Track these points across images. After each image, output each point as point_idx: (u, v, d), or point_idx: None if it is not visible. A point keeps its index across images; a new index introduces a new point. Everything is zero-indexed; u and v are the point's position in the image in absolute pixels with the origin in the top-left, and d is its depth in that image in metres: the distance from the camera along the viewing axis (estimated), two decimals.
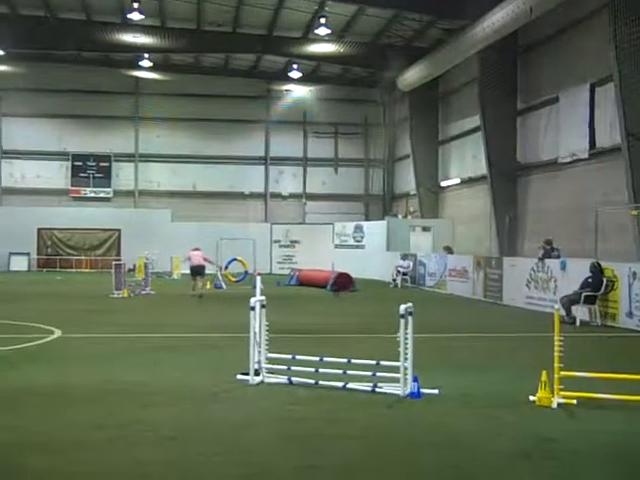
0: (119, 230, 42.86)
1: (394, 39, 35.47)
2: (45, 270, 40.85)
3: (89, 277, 36.05)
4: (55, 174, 45.71)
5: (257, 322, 9.61)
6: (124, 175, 46.13)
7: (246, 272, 29.98)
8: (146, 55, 40.74)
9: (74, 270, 41.29)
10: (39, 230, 42.40)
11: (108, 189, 45.92)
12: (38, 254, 42.43)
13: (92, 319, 17.42)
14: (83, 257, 42.88)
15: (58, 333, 14.37)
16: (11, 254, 40.75)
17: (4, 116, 45.44)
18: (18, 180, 45.65)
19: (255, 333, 9.58)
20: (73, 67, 42.77)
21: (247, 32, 37.05)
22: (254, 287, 10.15)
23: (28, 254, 41.63)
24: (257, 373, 9.59)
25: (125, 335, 14.47)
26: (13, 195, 45.19)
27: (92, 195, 45.71)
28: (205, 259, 25.00)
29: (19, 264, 40.79)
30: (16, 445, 6.75)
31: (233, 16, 35.20)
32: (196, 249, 25.13)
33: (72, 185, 45.68)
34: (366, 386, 9.22)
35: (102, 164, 45.64)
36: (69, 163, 45.71)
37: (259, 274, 11.00)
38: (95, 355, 12.09)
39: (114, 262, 26.47)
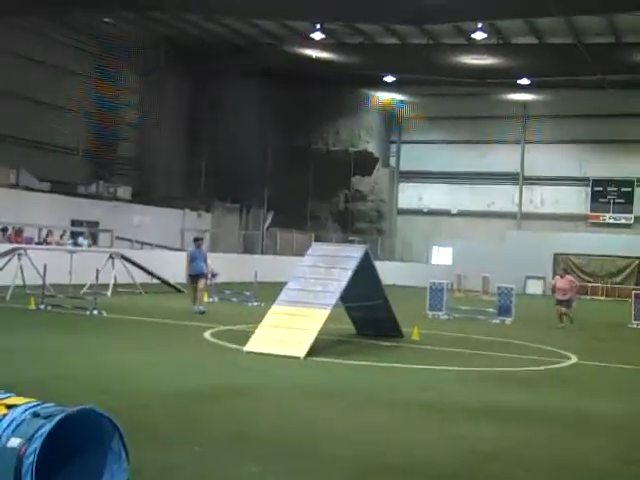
0: (639, 258, 40.99)
1: None
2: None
3: (605, 305, 35.10)
4: (574, 199, 45.73)
5: None
6: None
7: None
8: None
9: (588, 297, 40.60)
10: (555, 255, 42.62)
11: (629, 215, 44.35)
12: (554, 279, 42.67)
13: (609, 348, 16.77)
14: (599, 284, 41.95)
15: (574, 359, 14.06)
16: (527, 277, 41.63)
17: (528, 143, 46.93)
18: (537, 205, 46.69)
19: None
20: (595, 92, 42.30)
21: None
22: None
23: (544, 278, 42.12)
24: None
25: None
26: (531, 220, 46.36)
27: (611, 221, 44.64)
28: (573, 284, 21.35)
29: (534, 288, 41.51)
30: (539, 465, 6.59)
31: None
32: (565, 272, 23.31)
33: (591, 211, 45.21)
34: None
35: (623, 189, 44.33)
36: (589, 188, 45.33)
37: None
38: (613, 384, 11.51)
39: (633, 291, 25.23)
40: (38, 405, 4.59)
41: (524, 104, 46.68)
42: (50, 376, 9.38)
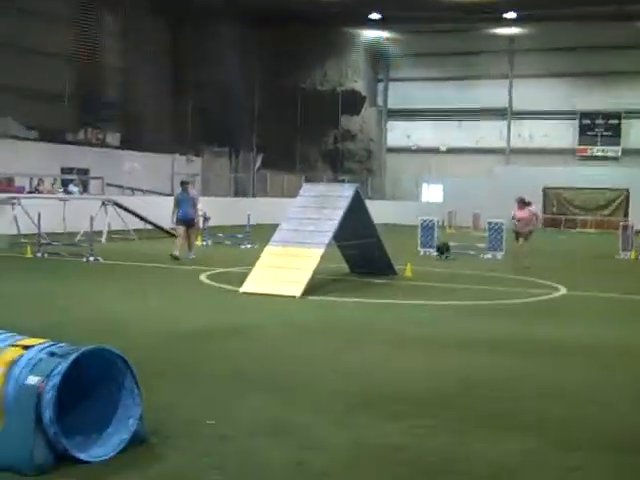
0: (627, 190, 41.31)
1: None
2: (548, 229, 41.23)
3: (593, 237, 35.53)
4: (562, 133, 45.81)
5: None
6: (635, 133, 44.18)
7: None
8: None
9: (578, 230, 41.04)
10: (545, 189, 42.86)
11: (616, 148, 44.51)
12: (543, 213, 42.98)
13: (597, 279, 17.12)
14: (589, 217, 42.37)
15: (563, 291, 14.38)
16: None
17: (515, 77, 46.75)
18: (526, 140, 46.75)
19: None
20: (582, 24, 42.03)
21: None
22: None
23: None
24: None
25: (631, 297, 13.87)
26: (520, 155, 46.47)
27: (599, 154, 44.83)
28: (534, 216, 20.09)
29: None
30: (530, 391, 6.91)
31: None
32: (524, 202, 19.40)
33: (579, 144, 45.35)
34: None
35: (611, 122, 44.42)
36: (577, 122, 45.39)
37: None
38: (601, 314, 11.85)
39: (621, 223, 25.60)
40: (53, 345, 4.83)
41: (511, 38, 46.40)
42: (51, 321, 9.60)
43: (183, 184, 19.52)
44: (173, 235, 25.65)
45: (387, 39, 48.79)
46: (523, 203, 19.27)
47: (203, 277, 14.95)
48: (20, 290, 12.62)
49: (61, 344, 4.88)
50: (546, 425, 5.90)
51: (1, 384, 4.62)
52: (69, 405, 4.77)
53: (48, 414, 4.43)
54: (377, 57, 50.41)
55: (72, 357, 4.57)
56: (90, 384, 4.96)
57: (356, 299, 12.58)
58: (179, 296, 12.70)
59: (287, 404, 6.21)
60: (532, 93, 45.94)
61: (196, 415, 5.75)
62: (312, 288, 12.77)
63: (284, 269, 13.05)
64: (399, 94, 50.00)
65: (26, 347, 4.81)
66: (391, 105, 50.87)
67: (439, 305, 12.31)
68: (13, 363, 4.68)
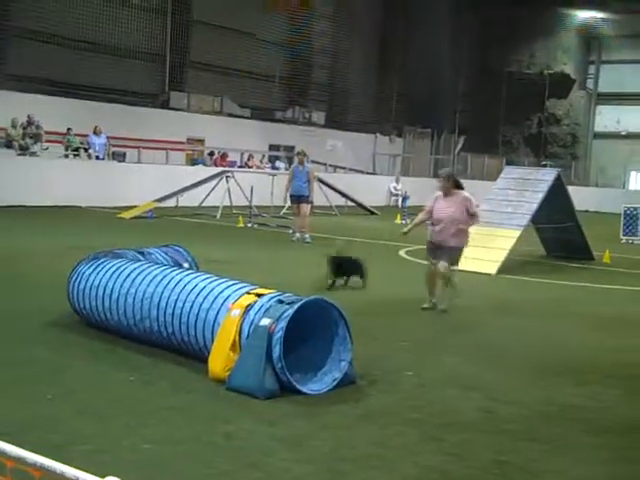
0: None
1: None
2: None
3: None
4: None
5: None
6: None
7: None
8: None
9: None
10: None
11: None
12: None
13: None
14: None
15: None
16: None
17: None
18: None
19: None
20: None
21: None
22: None
23: None
24: None
25: None
26: None
27: None
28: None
29: None
30: None
31: None
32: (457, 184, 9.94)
33: None
34: None
35: None
36: None
37: None
38: None
39: None
40: (281, 294, 5.70)
41: None
42: (264, 281, 10.63)
43: (298, 155, 17.24)
44: (373, 213, 26.73)
45: (601, 19, 46.95)
46: (456, 186, 9.69)
47: (402, 252, 15.65)
48: (238, 256, 13.87)
49: (287, 294, 5.74)
50: None
51: (239, 323, 5.55)
52: (292, 346, 5.62)
53: (277, 351, 5.30)
54: (589, 38, 48.67)
55: (297, 305, 5.41)
56: (310, 329, 5.79)
57: (549, 280, 12.80)
58: (380, 269, 13.44)
59: (481, 365, 6.81)
60: None
61: (398, 366, 6.49)
62: (507, 268, 13.14)
63: (481, 248, 13.45)
64: (611, 77, 48.06)
65: (259, 295, 5.72)
66: (601, 88, 49.01)
67: (635, 290, 12.28)
68: (249, 307, 5.61)
